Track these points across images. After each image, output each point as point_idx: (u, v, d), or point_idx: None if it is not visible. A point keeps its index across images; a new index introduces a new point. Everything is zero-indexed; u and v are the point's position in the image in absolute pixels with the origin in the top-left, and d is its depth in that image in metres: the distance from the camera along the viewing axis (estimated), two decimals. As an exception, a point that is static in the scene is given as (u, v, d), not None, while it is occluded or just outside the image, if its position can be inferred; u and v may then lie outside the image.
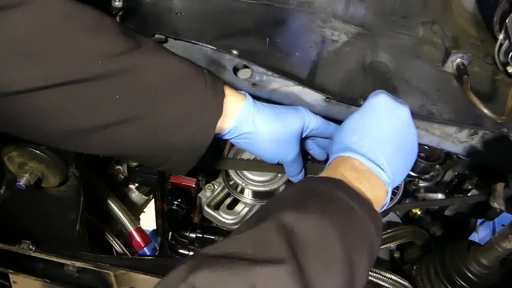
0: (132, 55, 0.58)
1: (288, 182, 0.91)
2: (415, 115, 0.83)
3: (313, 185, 0.58)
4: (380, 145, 0.62)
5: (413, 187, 0.97)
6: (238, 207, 0.95)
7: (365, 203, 0.56)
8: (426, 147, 0.92)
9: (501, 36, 0.95)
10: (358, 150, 0.61)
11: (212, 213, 0.94)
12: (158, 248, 1.13)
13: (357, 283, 0.50)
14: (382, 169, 0.61)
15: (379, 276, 0.80)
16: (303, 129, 0.75)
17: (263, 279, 0.41)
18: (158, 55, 0.62)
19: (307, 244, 0.47)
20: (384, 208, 0.63)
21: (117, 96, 0.58)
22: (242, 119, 0.68)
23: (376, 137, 0.63)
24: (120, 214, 1.02)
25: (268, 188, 0.92)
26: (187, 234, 0.98)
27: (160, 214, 1.07)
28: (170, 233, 1.04)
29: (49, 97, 0.55)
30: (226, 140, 0.74)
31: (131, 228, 1.04)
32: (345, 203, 0.54)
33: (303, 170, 0.82)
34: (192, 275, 0.41)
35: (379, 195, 0.60)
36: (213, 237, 0.98)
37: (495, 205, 0.80)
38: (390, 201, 0.85)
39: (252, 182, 0.93)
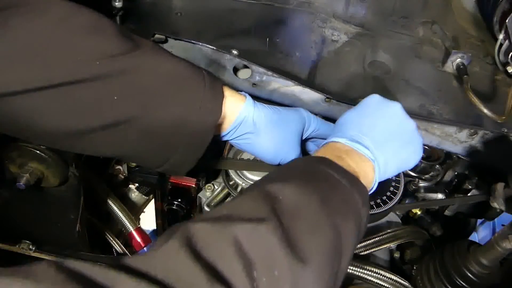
0: (130, 56, 0.58)
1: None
2: (415, 115, 0.84)
3: (296, 163, 0.61)
4: (367, 131, 0.64)
5: (413, 187, 0.97)
6: (238, 207, 0.95)
7: (348, 174, 0.56)
8: (426, 147, 0.92)
9: (501, 36, 0.95)
10: (342, 135, 0.63)
11: (212, 213, 0.94)
12: (158, 248, 1.13)
13: (345, 251, 0.50)
14: (365, 147, 0.62)
15: (379, 276, 0.80)
16: (304, 130, 0.75)
17: (245, 234, 0.43)
18: (157, 57, 0.62)
19: (289, 207, 0.48)
20: (374, 189, 0.63)
21: (115, 97, 0.58)
22: (242, 119, 0.68)
23: (365, 124, 0.65)
24: (120, 214, 1.02)
25: (268, 188, 0.92)
26: (187, 234, 0.98)
27: (160, 214, 1.07)
28: (170, 233, 1.04)
29: (46, 98, 0.55)
30: (226, 140, 0.74)
31: (131, 228, 1.04)
32: (327, 174, 0.55)
33: None
34: (183, 228, 0.43)
35: (365, 170, 0.61)
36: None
37: (495, 205, 0.80)
38: (390, 201, 0.85)
39: (252, 182, 0.93)
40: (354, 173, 0.58)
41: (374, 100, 0.68)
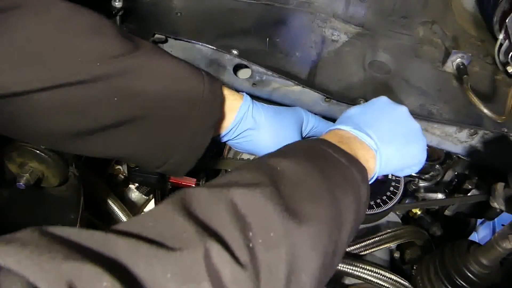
0: (130, 57, 0.58)
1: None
2: (415, 115, 0.84)
3: (296, 143, 0.62)
4: (372, 124, 0.64)
5: (413, 187, 0.97)
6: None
7: (346, 154, 0.57)
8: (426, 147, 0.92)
9: (501, 36, 0.95)
10: (347, 124, 0.64)
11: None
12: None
13: (344, 223, 0.50)
14: (369, 136, 0.62)
15: (379, 276, 0.80)
16: (303, 128, 0.75)
17: (240, 197, 0.43)
18: (157, 57, 0.62)
19: (288, 176, 0.48)
20: (374, 179, 0.63)
21: (115, 98, 0.58)
22: (242, 116, 0.69)
23: (371, 118, 0.65)
24: (120, 214, 1.02)
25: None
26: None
27: (160, 214, 1.07)
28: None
29: (46, 99, 0.55)
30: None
31: (131, 228, 1.04)
32: (326, 152, 0.56)
33: None
34: (177, 193, 0.43)
35: (365, 157, 0.61)
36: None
37: (495, 205, 0.80)
38: (390, 201, 0.86)
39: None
40: (355, 156, 0.59)
41: (382, 100, 0.69)
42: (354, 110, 0.68)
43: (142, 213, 0.42)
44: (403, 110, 0.68)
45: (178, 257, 0.36)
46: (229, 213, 0.41)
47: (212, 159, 0.91)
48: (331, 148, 0.57)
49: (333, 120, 0.80)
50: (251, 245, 0.39)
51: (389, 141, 0.63)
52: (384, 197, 0.86)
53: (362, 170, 0.57)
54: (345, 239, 0.51)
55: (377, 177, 0.64)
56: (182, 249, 0.36)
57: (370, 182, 0.61)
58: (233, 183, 0.46)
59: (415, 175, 0.97)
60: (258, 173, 0.48)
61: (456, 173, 0.99)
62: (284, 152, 0.56)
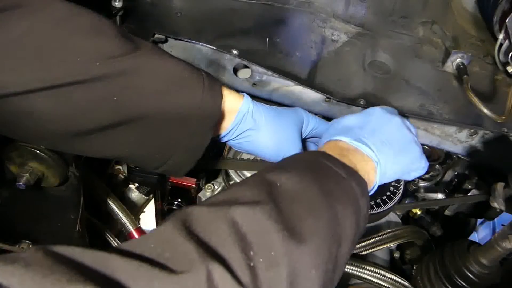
0: (130, 58, 0.58)
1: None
2: (415, 115, 0.84)
3: (294, 156, 0.62)
4: (369, 134, 0.65)
5: (413, 187, 0.97)
6: (238, 207, 0.95)
7: (345, 167, 0.57)
8: (426, 147, 0.92)
9: (501, 36, 0.95)
10: (346, 135, 0.64)
11: (212, 213, 0.93)
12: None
13: (344, 237, 0.50)
14: (368, 147, 0.62)
15: (379, 276, 0.80)
16: (303, 129, 0.75)
17: (241, 215, 0.43)
18: (156, 58, 0.62)
19: (287, 192, 0.49)
20: (374, 190, 0.64)
21: (115, 98, 0.58)
22: (242, 116, 0.69)
23: (367, 128, 0.66)
24: (120, 214, 1.02)
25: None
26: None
27: (160, 214, 1.07)
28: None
29: (46, 99, 0.55)
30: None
31: (131, 228, 1.04)
32: (325, 165, 0.56)
33: None
34: (178, 212, 0.44)
35: (366, 168, 0.61)
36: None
37: (495, 205, 0.80)
38: (390, 201, 0.85)
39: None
40: (354, 169, 0.59)
41: (378, 111, 0.70)
42: (351, 121, 0.69)
43: (145, 234, 0.42)
44: (397, 120, 0.69)
45: (180, 280, 0.36)
46: (230, 232, 0.41)
47: (212, 159, 0.91)
48: (331, 161, 0.57)
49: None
50: (252, 264, 0.39)
51: (387, 152, 0.64)
52: (384, 197, 0.86)
53: (361, 183, 0.57)
54: (345, 254, 0.51)
55: None
56: (184, 271, 0.36)
57: (370, 194, 0.61)
58: (233, 200, 0.46)
59: (415, 175, 0.97)
60: (258, 190, 0.48)
61: (456, 173, 0.99)
62: (284, 165, 0.57)
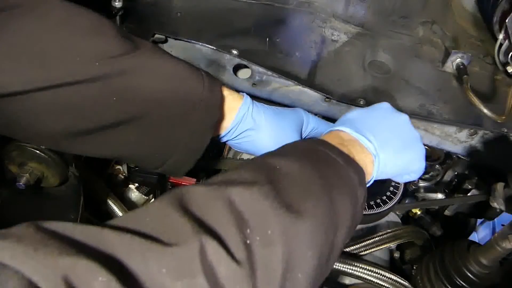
0: (130, 57, 0.58)
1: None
2: (415, 115, 0.84)
3: (294, 143, 0.62)
4: (372, 128, 0.64)
5: (413, 187, 0.97)
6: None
7: (344, 155, 0.57)
8: (426, 147, 0.92)
9: (501, 36, 0.95)
10: (348, 126, 0.64)
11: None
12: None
13: (340, 225, 0.50)
14: (368, 140, 0.62)
15: (379, 276, 0.80)
16: (303, 129, 0.75)
17: (238, 194, 0.43)
18: (156, 58, 0.62)
19: (285, 175, 0.49)
20: (370, 183, 0.64)
21: (114, 98, 0.58)
22: (242, 116, 0.69)
23: (371, 122, 0.65)
24: (120, 214, 1.02)
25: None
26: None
27: (160, 214, 1.07)
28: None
29: (46, 99, 0.55)
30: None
31: (131, 228, 1.04)
32: (324, 153, 0.56)
33: None
34: (173, 190, 0.43)
35: (364, 160, 0.61)
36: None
37: (495, 205, 0.80)
38: (390, 201, 0.85)
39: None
40: (353, 158, 0.59)
41: (384, 106, 0.69)
42: (355, 113, 0.68)
43: (138, 208, 0.42)
44: (404, 118, 0.68)
45: (173, 252, 0.36)
46: (226, 210, 0.41)
47: (212, 159, 0.91)
48: (329, 149, 0.57)
49: (333, 120, 0.80)
50: (248, 242, 0.39)
51: (388, 147, 0.64)
52: (384, 197, 0.86)
53: (359, 172, 0.57)
54: (341, 240, 0.51)
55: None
56: (177, 244, 0.36)
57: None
58: (231, 181, 0.46)
59: (415, 175, 0.97)
60: (256, 172, 0.48)
61: (456, 173, 0.99)
62: (282, 151, 0.57)
